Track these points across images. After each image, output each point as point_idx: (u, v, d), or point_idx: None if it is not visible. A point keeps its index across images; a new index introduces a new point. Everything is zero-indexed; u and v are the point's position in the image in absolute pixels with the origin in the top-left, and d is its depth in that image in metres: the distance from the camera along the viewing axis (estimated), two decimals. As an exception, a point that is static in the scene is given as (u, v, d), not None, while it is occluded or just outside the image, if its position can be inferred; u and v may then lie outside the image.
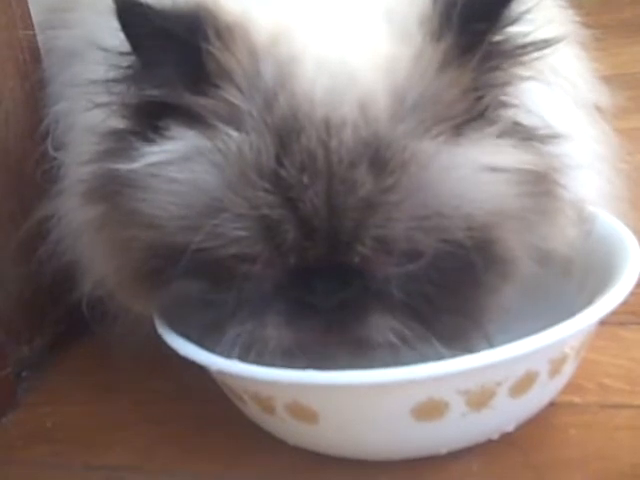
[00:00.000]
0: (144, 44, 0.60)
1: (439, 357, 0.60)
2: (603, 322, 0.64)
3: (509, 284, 0.65)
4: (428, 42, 0.59)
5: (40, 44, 0.91)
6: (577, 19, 0.86)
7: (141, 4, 0.59)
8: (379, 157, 0.57)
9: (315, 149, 0.57)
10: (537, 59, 0.62)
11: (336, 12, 0.64)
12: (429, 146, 0.58)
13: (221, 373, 0.65)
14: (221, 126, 0.59)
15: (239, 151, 0.58)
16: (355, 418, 0.63)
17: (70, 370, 0.91)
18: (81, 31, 0.81)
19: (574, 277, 0.73)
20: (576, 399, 0.72)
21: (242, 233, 0.59)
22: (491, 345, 0.64)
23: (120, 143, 0.64)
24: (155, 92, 0.61)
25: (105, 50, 0.62)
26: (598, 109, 0.83)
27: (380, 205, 0.58)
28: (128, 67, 0.62)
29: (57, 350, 0.93)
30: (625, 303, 0.63)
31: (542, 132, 0.63)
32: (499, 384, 0.61)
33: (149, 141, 0.62)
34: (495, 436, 0.67)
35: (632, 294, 0.63)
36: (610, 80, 0.87)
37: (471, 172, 0.59)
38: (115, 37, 0.61)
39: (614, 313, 0.62)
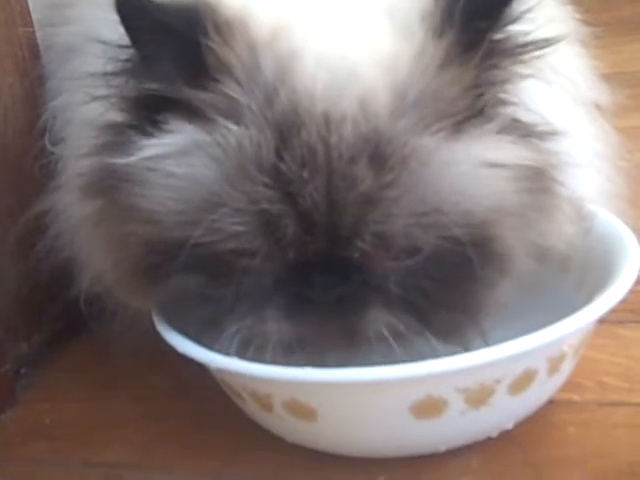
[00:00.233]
0: (143, 37, 0.60)
1: (435, 353, 0.60)
2: (602, 320, 0.64)
3: (506, 280, 0.65)
4: (430, 39, 0.59)
5: (39, 41, 0.91)
6: (577, 17, 0.86)
7: None
8: (379, 153, 0.57)
9: (315, 144, 0.57)
10: (537, 58, 0.62)
11: (337, 7, 0.64)
12: (429, 142, 0.58)
13: (219, 370, 0.65)
14: (220, 120, 0.59)
15: (238, 145, 0.58)
16: (353, 415, 0.63)
17: (68, 367, 0.90)
18: (80, 27, 0.81)
19: (571, 274, 0.73)
20: (575, 397, 0.72)
21: (241, 228, 0.59)
22: (486, 341, 0.64)
23: (118, 137, 0.63)
24: (154, 86, 0.61)
25: (104, 43, 0.62)
26: (598, 107, 0.83)
27: (380, 201, 0.58)
28: (127, 60, 0.62)
29: (55, 347, 0.92)
30: (624, 301, 0.63)
31: (541, 129, 0.63)
32: (498, 382, 0.61)
33: (147, 135, 0.62)
34: (494, 434, 0.67)
35: (631, 292, 0.63)
36: (610, 78, 0.87)
37: (471, 168, 0.59)
38: (114, 31, 0.61)
39: (613, 311, 0.62)
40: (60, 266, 0.78)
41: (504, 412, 0.65)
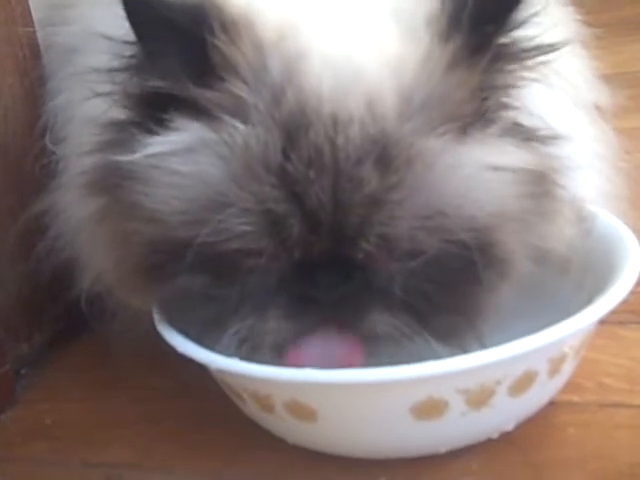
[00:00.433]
0: (149, 33, 0.60)
1: (434, 355, 0.60)
2: (603, 321, 0.64)
3: (506, 283, 0.65)
4: (436, 42, 0.59)
5: (40, 41, 0.91)
6: (578, 17, 0.86)
7: None
8: (385, 154, 0.58)
9: (322, 145, 0.58)
10: (543, 63, 0.62)
11: (343, 9, 0.64)
12: (435, 145, 0.58)
13: (220, 371, 0.65)
14: (227, 118, 0.59)
15: (245, 144, 0.58)
16: (354, 417, 0.63)
17: (69, 367, 0.91)
18: (81, 27, 0.81)
19: (572, 275, 0.73)
20: (575, 398, 0.72)
21: (247, 228, 0.58)
22: (483, 345, 0.64)
23: (121, 134, 0.63)
24: (158, 83, 0.61)
25: (109, 39, 0.62)
26: (598, 108, 0.83)
27: (385, 202, 0.58)
28: (131, 56, 0.62)
29: (56, 347, 0.93)
30: (625, 302, 0.63)
31: (542, 133, 0.63)
32: (499, 383, 0.61)
33: (151, 132, 0.61)
34: (495, 435, 0.67)
35: (632, 293, 0.63)
36: (610, 79, 0.87)
37: (475, 171, 0.59)
38: (117, 27, 0.60)
39: (614, 312, 0.62)
40: (61, 266, 0.78)
41: (505, 413, 0.65)
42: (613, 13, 1.77)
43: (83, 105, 0.70)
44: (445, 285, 0.62)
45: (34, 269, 0.80)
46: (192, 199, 0.60)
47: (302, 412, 0.63)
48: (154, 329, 0.67)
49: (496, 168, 0.60)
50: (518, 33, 0.60)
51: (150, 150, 0.61)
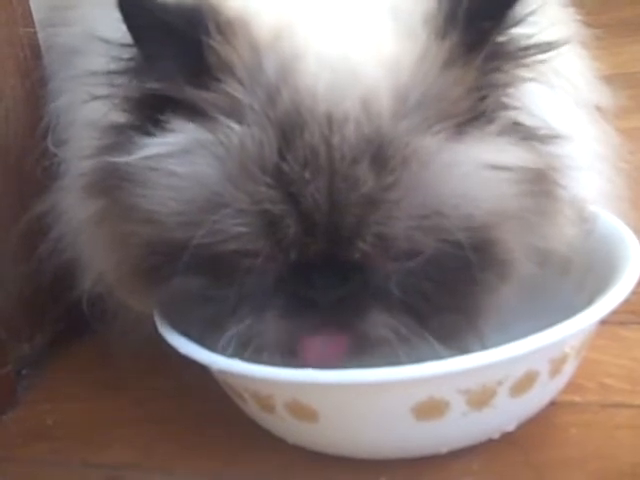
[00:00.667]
0: (145, 36, 0.60)
1: (435, 355, 0.60)
2: (604, 321, 0.64)
3: (507, 284, 0.65)
4: (433, 40, 0.59)
5: (41, 41, 0.91)
6: (578, 18, 0.86)
7: None
8: (381, 154, 0.57)
9: (318, 145, 0.58)
10: (540, 62, 0.62)
11: (339, 8, 0.64)
12: (431, 143, 0.58)
13: (221, 372, 0.65)
14: (222, 119, 0.59)
15: (241, 144, 0.58)
16: (355, 417, 0.63)
17: (70, 368, 0.90)
18: (82, 27, 0.81)
19: (573, 276, 0.73)
20: (577, 398, 0.72)
21: (243, 229, 0.59)
22: (484, 345, 0.64)
23: (120, 137, 0.63)
24: (156, 85, 0.61)
25: (106, 42, 0.62)
26: (599, 109, 0.83)
27: (381, 202, 0.58)
28: (129, 59, 0.62)
29: (57, 348, 0.93)
30: (626, 302, 0.63)
31: (543, 132, 0.63)
32: (500, 383, 0.61)
33: (149, 134, 0.61)
34: (496, 435, 0.67)
35: (633, 293, 0.63)
36: (611, 79, 0.87)
37: (472, 170, 0.59)
38: (116, 30, 0.61)
39: (615, 312, 0.62)
40: (62, 267, 0.78)
41: (506, 414, 0.65)
42: (613, 14, 1.77)
43: (84, 108, 0.70)
44: (444, 285, 0.62)
45: (36, 270, 0.80)
46: (188, 200, 0.60)
47: (303, 412, 0.63)
48: (155, 330, 0.67)
49: (494, 166, 0.60)
50: (515, 31, 0.60)
51: (147, 152, 0.61)
